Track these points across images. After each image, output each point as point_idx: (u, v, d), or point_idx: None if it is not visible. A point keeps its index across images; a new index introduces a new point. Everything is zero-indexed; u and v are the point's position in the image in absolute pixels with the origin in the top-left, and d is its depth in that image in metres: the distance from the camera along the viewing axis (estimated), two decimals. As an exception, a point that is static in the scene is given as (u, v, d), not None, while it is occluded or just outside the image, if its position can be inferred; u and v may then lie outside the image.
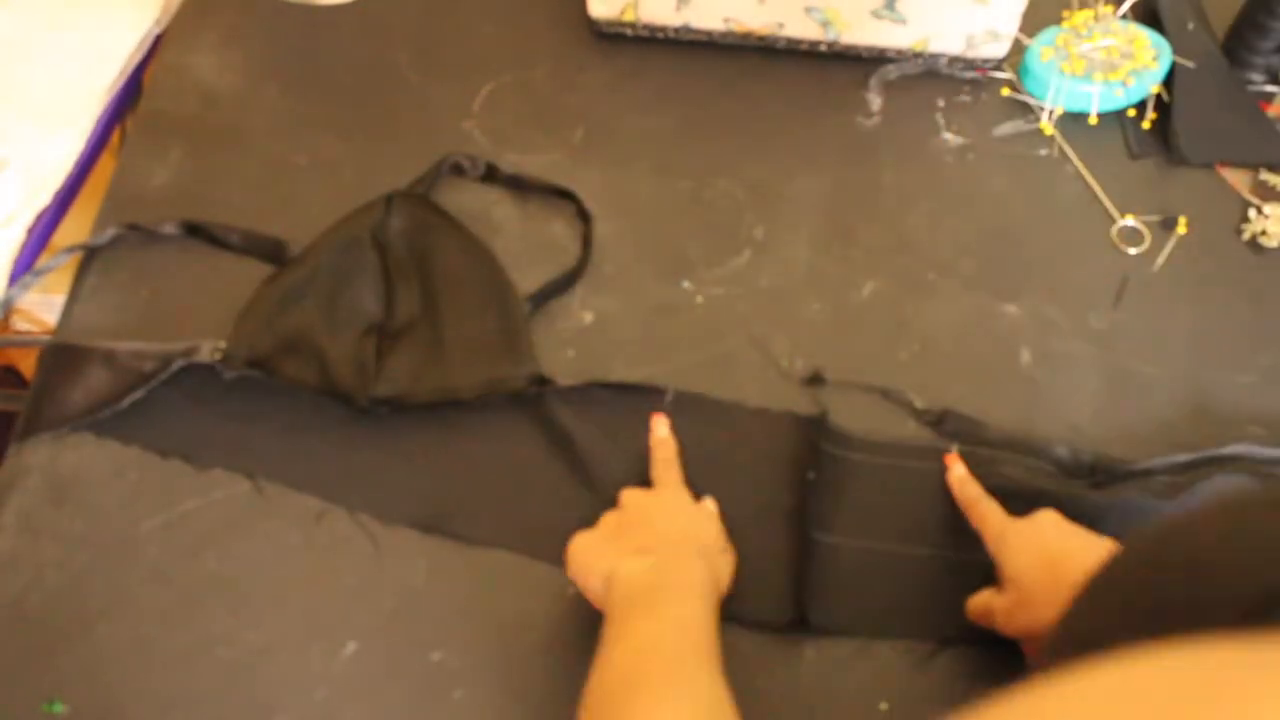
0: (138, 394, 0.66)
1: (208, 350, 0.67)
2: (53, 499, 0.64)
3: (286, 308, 0.69)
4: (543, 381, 0.69)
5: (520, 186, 0.79)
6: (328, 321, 0.69)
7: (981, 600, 0.61)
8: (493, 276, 0.72)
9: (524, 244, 0.76)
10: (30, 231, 0.81)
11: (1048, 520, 0.59)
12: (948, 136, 0.84)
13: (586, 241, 0.76)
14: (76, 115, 0.85)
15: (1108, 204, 0.81)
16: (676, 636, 0.52)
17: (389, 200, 0.74)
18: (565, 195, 0.78)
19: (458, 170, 0.79)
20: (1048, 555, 0.57)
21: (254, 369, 0.67)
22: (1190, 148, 0.83)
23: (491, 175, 0.79)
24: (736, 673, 0.52)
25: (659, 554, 0.57)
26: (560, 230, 0.78)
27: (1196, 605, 0.32)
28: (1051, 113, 0.85)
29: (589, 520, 0.61)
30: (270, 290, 0.70)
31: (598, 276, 0.76)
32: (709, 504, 0.65)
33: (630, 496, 0.62)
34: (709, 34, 0.86)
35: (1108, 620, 0.37)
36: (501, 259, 0.74)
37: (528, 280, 0.74)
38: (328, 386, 0.67)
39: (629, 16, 0.85)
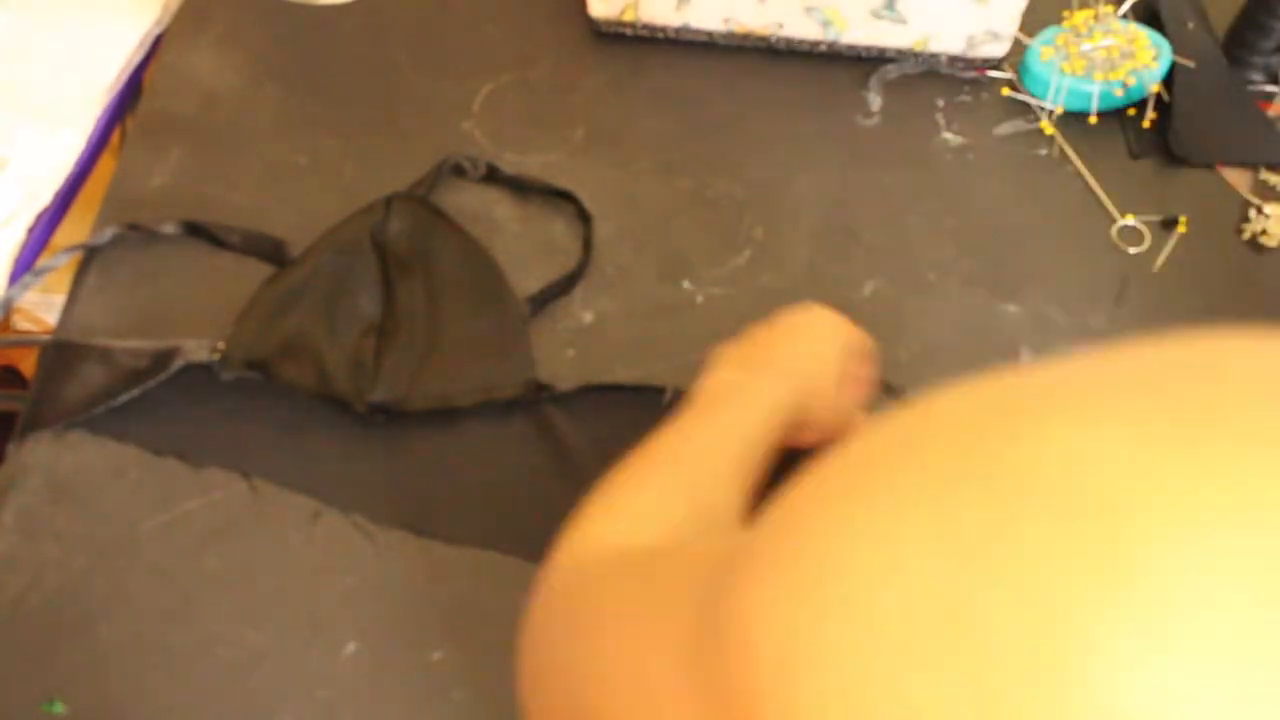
0: (134, 392, 0.66)
1: (206, 349, 0.67)
2: (53, 499, 0.64)
3: (285, 310, 0.69)
4: (540, 388, 0.69)
5: (520, 187, 0.79)
6: (326, 324, 0.69)
7: None
8: (491, 280, 0.72)
9: (524, 244, 0.76)
10: (30, 231, 0.81)
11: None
12: (948, 136, 0.84)
13: (587, 242, 0.76)
14: (76, 115, 0.85)
15: (1108, 204, 0.81)
16: (704, 433, 0.52)
17: (388, 202, 0.74)
18: (565, 196, 0.78)
19: (458, 171, 0.79)
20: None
21: (252, 371, 0.67)
22: (1190, 148, 0.83)
23: (492, 176, 0.79)
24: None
25: (747, 372, 0.56)
26: (560, 230, 0.78)
27: None
28: (1051, 113, 0.85)
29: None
30: (269, 292, 0.70)
31: (598, 276, 0.76)
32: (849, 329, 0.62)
33: (782, 316, 0.62)
34: (709, 34, 0.86)
35: None
36: (502, 259, 0.74)
37: (529, 281, 0.74)
38: (325, 390, 0.67)
39: (629, 16, 0.85)
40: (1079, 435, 0.21)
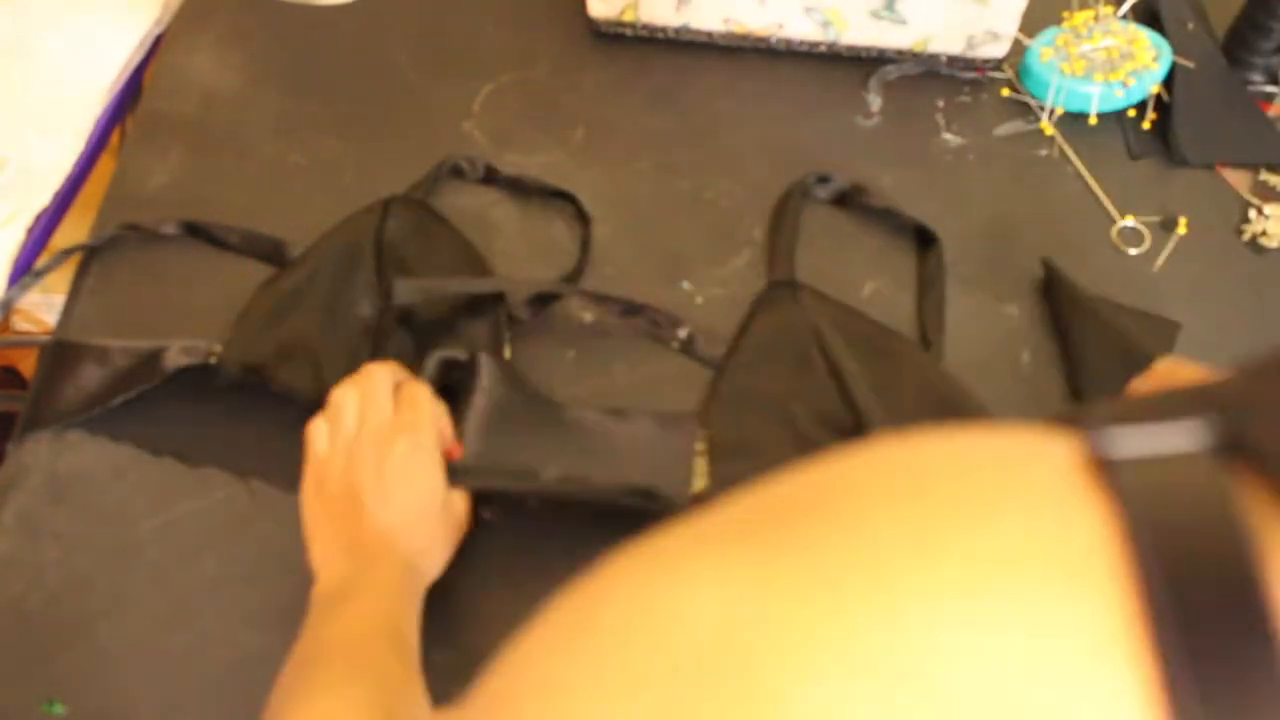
0: (130, 394, 0.66)
1: (203, 351, 0.67)
2: (53, 499, 0.64)
3: (282, 313, 0.69)
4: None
5: (520, 188, 0.79)
6: (324, 327, 0.69)
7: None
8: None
9: (524, 245, 0.76)
10: (30, 231, 0.81)
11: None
12: (948, 137, 0.84)
13: (585, 244, 0.76)
14: (76, 115, 0.85)
15: (1108, 204, 0.81)
16: (357, 625, 0.53)
17: (386, 204, 0.73)
18: (565, 197, 0.78)
19: (457, 172, 0.79)
20: None
21: (249, 374, 0.67)
22: (1190, 148, 0.83)
23: (491, 177, 0.79)
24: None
25: (358, 562, 0.57)
26: (560, 231, 0.78)
27: None
28: (1051, 113, 0.85)
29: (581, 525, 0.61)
30: (267, 295, 0.70)
31: (598, 277, 0.75)
32: (435, 454, 0.61)
33: (353, 449, 0.59)
34: (709, 34, 0.86)
35: None
36: (501, 260, 0.74)
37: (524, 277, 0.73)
38: (321, 394, 0.66)
39: (629, 16, 0.85)
40: (683, 593, 0.23)
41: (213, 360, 0.67)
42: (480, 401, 0.63)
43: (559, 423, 0.65)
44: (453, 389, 0.65)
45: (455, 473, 0.61)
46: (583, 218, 0.77)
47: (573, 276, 0.75)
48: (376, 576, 0.56)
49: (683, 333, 0.72)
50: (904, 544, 0.22)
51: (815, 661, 0.21)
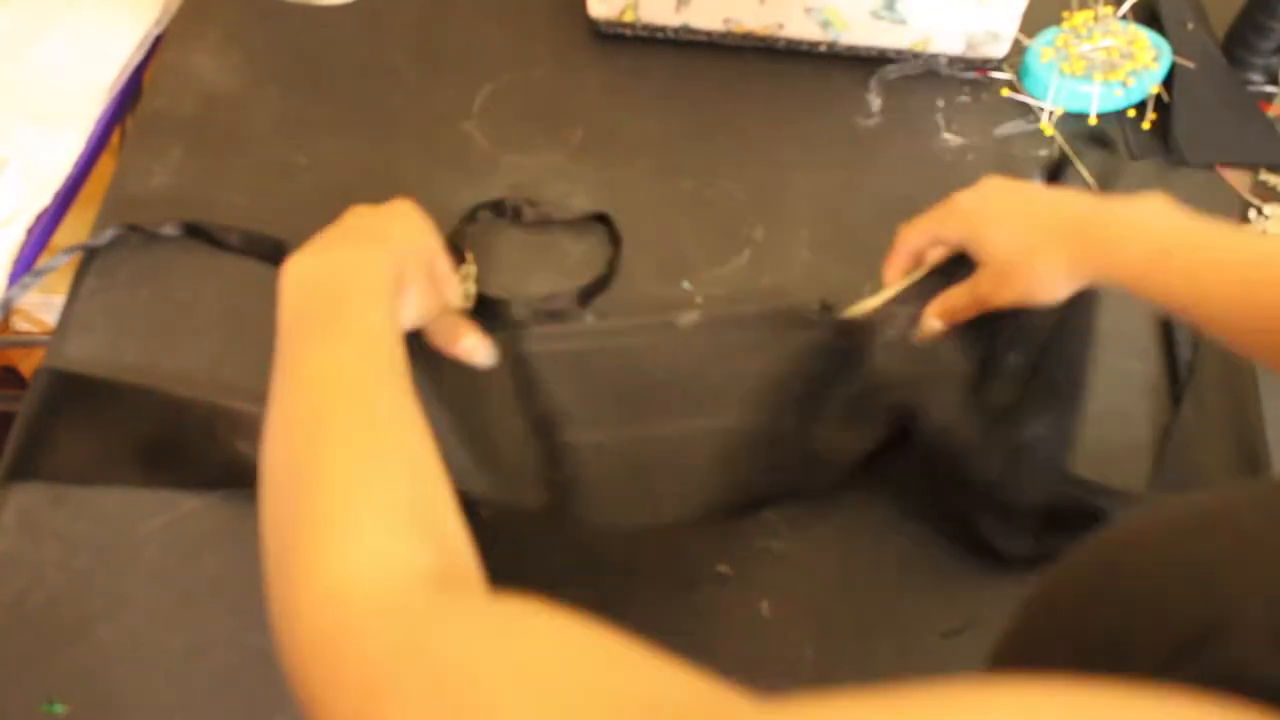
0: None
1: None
2: (53, 499, 0.64)
3: None
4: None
5: (549, 223, 0.77)
6: None
7: (960, 293, 0.61)
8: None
9: (524, 247, 0.76)
10: (30, 231, 0.81)
11: (993, 185, 0.60)
12: (948, 137, 0.84)
13: (612, 264, 0.75)
14: (76, 115, 0.85)
15: (1108, 204, 0.81)
16: (360, 357, 0.45)
17: None
18: (599, 219, 0.77)
19: (499, 212, 0.77)
20: (1017, 206, 0.58)
21: None
22: (1190, 148, 0.83)
23: (518, 217, 0.77)
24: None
25: (335, 248, 0.51)
26: (561, 233, 0.77)
27: (1127, 638, 0.32)
28: (1051, 113, 0.85)
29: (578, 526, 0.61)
30: None
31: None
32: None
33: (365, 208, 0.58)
34: (709, 34, 0.86)
35: (1042, 644, 0.37)
36: (501, 260, 0.74)
37: (530, 286, 0.74)
38: None
39: (629, 16, 0.85)
40: None
41: None
42: None
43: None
44: None
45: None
46: (614, 240, 0.76)
47: (589, 291, 0.74)
48: (361, 272, 0.49)
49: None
50: None
51: None
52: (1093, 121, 0.84)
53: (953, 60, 0.87)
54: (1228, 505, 0.34)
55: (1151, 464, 0.68)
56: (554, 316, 0.72)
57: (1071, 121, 0.85)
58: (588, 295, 0.74)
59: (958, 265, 0.63)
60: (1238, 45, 0.87)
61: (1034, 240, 0.57)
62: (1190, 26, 0.89)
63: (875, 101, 0.86)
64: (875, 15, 0.83)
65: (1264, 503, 0.33)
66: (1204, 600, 0.31)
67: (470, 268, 0.71)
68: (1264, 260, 0.49)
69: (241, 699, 0.59)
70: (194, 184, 0.78)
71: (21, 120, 0.83)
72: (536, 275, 0.75)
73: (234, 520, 0.64)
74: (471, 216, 0.76)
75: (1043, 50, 0.85)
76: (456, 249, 0.72)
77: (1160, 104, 0.85)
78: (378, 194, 0.74)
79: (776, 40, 0.86)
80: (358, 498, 0.40)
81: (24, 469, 0.64)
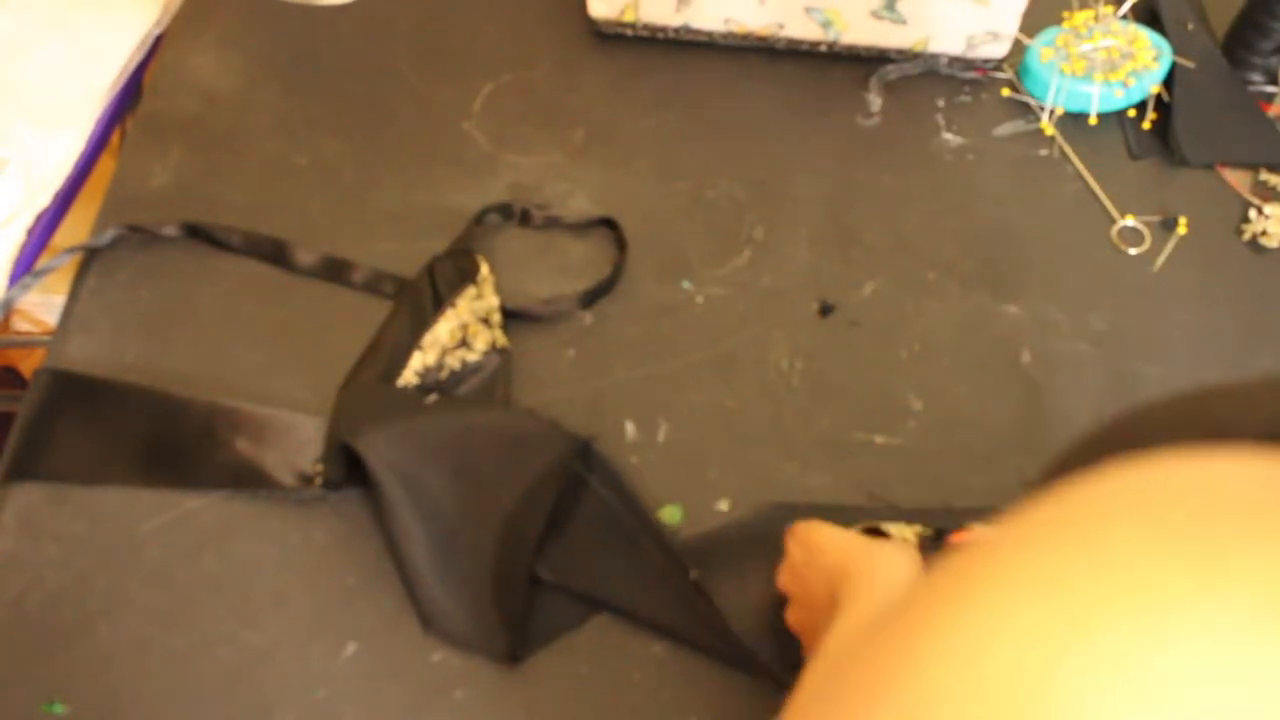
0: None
1: (297, 475, 0.65)
2: (53, 499, 0.64)
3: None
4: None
5: (555, 225, 0.77)
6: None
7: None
8: None
9: (524, 248, 0.76)
10: (30, 232, 0.81)
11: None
12: (948, 137, 0.84)
13: (618, 268, 0.75)
14: (76, 115, 0.85)
15: (1108, 204, 0.81)
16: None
17: (430, 266, 0.72)
18: (605, 223, 0.77)
19: (506, 215, 0.77)
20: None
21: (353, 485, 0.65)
22: (1190, 148, 0.83)
23: (526, 220, 0.77)
24: None
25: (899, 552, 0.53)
26: (561, 234, 0.77)
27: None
28: (1051, 113, 0.85)
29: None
30: (351, 398, 0.66)
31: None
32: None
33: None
34: (709, 34, 0.86)
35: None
36: (501, 261, 0.74)
37: (531, 287, 0.74)
38: None
39: (629, 17, 0.85)
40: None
41: (318, 483, 0.64)
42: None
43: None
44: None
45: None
46: (620, 244, 0.76)
47: (593, 294, 0.74)
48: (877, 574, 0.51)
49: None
50: (1195, 569, 0.22)
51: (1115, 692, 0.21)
52: (1093, 121, 0.84)
53: (953, 60, 0.87)
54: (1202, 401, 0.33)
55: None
56: (556, 318, 0.72)
57: (1071, 121, 0.85)
58: (591, 298, 0.74)
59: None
60: (1238, 45, 0.87)
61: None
62: (1190, 26, 0.89)
63: (875, 101, 0.86)
64: (875, 15, 0.83)
65: (1232, 397, 0.33)
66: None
67: (487, 275, 0.71)
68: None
69: (241, 699, 0.59)
70: (194, 184, 0.78)
71: (21, 120, 0.83)
72: (537, 276, 0.75)
73: (234, 520, 0.64)
74: (479, 219, 0.76)
75: (1043, 50, 0.85)
76: (467, 253, 0.72)
77: (1160, 104, 0.85)
78: (378, 194, 0.75)
79: (776, 40, 0.86)
80: None
81: (24, 469, 0.64)
